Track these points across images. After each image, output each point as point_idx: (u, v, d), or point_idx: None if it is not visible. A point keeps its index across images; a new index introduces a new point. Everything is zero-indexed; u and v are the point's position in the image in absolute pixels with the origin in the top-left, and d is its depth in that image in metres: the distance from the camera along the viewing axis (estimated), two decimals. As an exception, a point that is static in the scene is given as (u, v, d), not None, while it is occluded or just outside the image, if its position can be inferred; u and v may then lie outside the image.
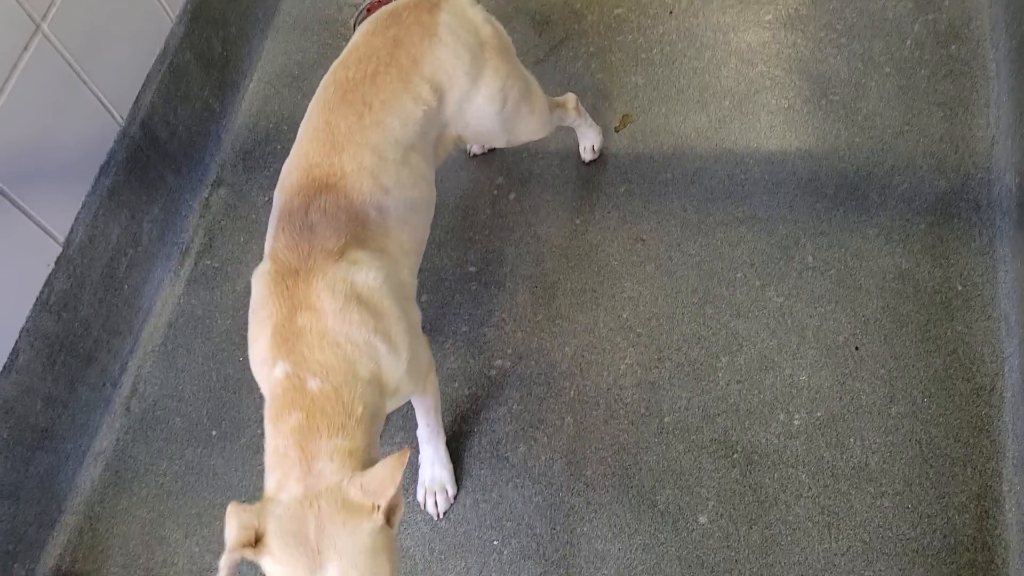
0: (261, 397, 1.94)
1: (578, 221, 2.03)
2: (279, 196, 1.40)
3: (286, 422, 1.16)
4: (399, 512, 1.10)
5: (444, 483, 1.72)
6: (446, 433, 1.77)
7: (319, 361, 1.20)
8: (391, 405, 1.34)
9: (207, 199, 2.27)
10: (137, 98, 2.03)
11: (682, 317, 1.86)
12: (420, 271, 2.02)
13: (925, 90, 2.05)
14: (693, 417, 1.74)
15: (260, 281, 1.31)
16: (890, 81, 2.07)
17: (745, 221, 1.96)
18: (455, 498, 1.74)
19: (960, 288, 1.79)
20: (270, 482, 1.13)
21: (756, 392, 1.75)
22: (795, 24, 2.23)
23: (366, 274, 1.28)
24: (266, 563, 1.04)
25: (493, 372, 1.87)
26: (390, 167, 1.38)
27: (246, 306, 2.04)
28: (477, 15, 1.55)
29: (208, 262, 2.16)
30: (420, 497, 1.73)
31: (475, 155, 2.16)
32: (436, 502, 1.72)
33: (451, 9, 1.51)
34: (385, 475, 1.06)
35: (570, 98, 1.92)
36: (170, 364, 2.02)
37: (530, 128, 1.75)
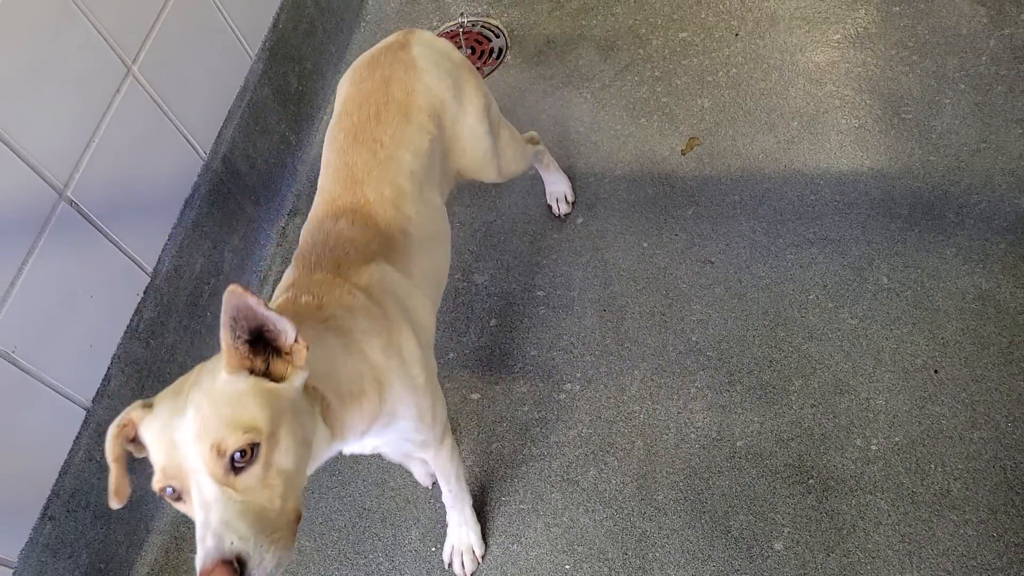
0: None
1: (645, 244, 2.04)
2: (306, 228, 1.47)
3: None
4: (297, 369, 1.05)
5: (472, 545, 1.72)
6: (515, 456, 1.79)
7: (327, 295, 1.26)
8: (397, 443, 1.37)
9: (284, 228, 2.35)
10: (219, 133, 2.12)
11: (753, 340, 1.85)
12: (488, 295, 2.06)
13: (1002, 106, 2.00)
14: (766, 441, 1.72)
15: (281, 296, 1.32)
16: (965, 98, 2.03)
17: (816, 242, 1.93)
18: (483, 558, 1.73)
19: (1044, 308, 1.74)
20: None
21: (831, 416, 1.72)
22: (864, 43, 2.21)
23: (393, 278, 1.34)
24: (143, 434, 1.03)
25: (562, 396, 1.88)
26: (408, 198, 1.45)
27: (322, 332, 2.11)
28: (444, 43, 1.65)
29: (285, 289, 2.23)
30: (446, 557, 1.73)
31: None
32: (463, 563, 1.72)
33: (420, 41, 1.61)
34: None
35: (533, 134, 2.02)
36: (250, 389, 2.09)
37: (515, 154, 1.84)
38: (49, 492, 1.66)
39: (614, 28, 2.47)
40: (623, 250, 2.05)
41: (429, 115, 1.53)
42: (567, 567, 1.68)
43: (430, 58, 1.58)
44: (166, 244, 1.94)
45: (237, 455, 0.95)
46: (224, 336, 1.01)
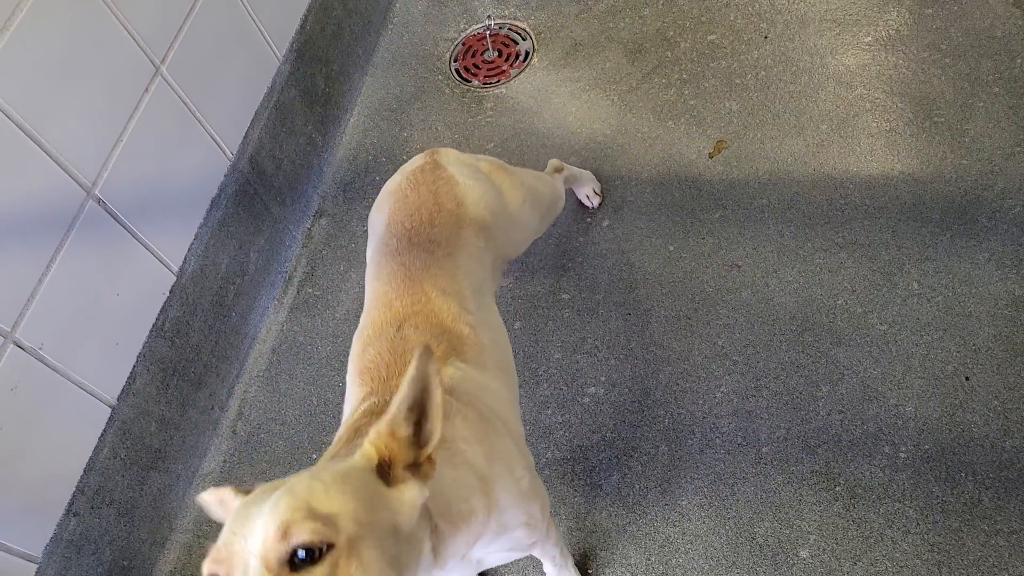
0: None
1: (672, 248, 2.02)
2: (357, 340, 1.34)
3: (359, 428, 1.09)
4: (421, 471, 0.89)
5: None
6: (539, 460, 1.78)
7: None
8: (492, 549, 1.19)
9: (310, 229, 2.36)
10: (246, 134, 2.13)
11: (780, 345, 1.82)
12: (513, 298, 2.05)
13: (1038, 109, 1.96)
14: (792, 448, 1.70)
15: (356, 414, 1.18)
16: (1000, 101, 1.99)
17: (845, 247, 1.91)
18: None
19: (1080, 316, 1.70)
20: None
21: (859, 423, 1.69)
22: (896, 45, 2.18)
23: (472, 375, 1.23)
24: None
25: (586, 400, 1.87)
26: (470, 294, 1.39)
27: (344, 333, 2.12)
28: (467, 156, 1.64)
29: (310, 290, 2.24)
30: None
31: None
32: None
33: (449, 161, 1.59)
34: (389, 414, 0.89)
35: (552, 162, 2.04)
36: (273, 388, 2.10)
37: (555, 202, 1.85)
38: (74, 489, 1.67)
39: (642, 31, 2.46)
40: (649, 253, 2.03)
41: (480, 223, 1.50)
42: (589, 572, 1.66)
43: (468, 174, 1.56)
44: (192, 243, 1.96)
45: (301, 552, 0.76)
46: (399, 402, 0.86)
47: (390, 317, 1.32)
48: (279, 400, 2.07)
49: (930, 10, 2.22)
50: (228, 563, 0.78)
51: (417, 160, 1.60)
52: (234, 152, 2.09)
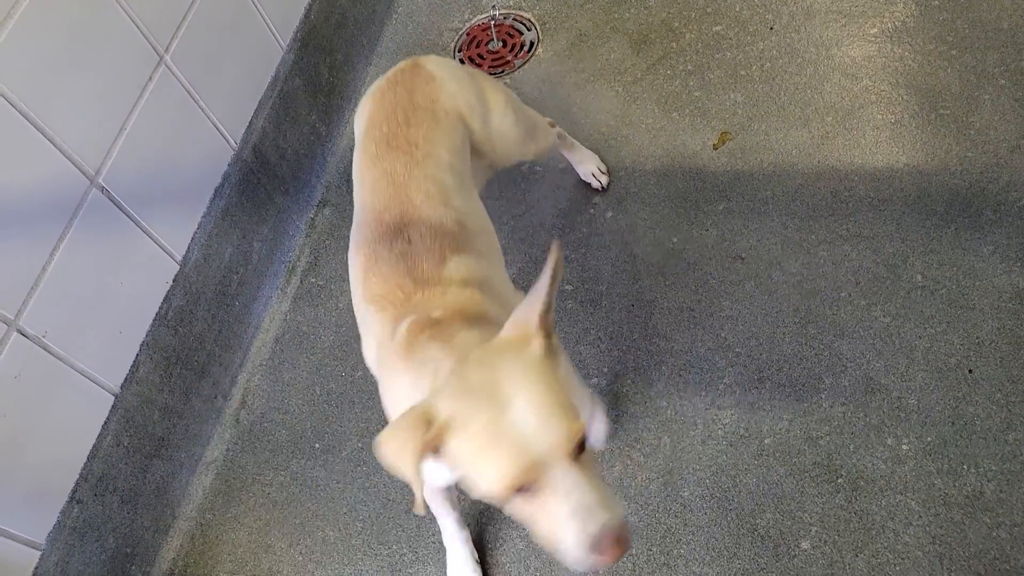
0: (362, 410, 2.00)
1: (675, 239, 2.02)
2: (355, 256, 1.42)
3: (418, 345, 1.19)
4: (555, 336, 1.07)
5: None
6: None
7: (439, 304, 1.25)
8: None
9: (313, 219, 2.36)
10: (250, 123, 2.13)
11: (783, 337, 1.82)
12: (517, 288, 2.05)
13: (1044, 102, 1.96)
14: (795, 439, 1.70)
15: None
16: (1006, 94, 1.99)
17: (849, 239, 1.90)
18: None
19: (1085, 309, 1.70)
20: (424, 393, 1.12)
21: (862, 415, 1.69)
22: (902, 37, 2.17)
23: (470, 262, 1.33)
24: (453, 447, 0.98)
25: (589, 391, 1.87)
26: (453, 192, 1.44)
27: (348, 323, 2.12)
28: (450, 59, 1.67)
29: (313, 280, 2.24)
30: None
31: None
32: None
33: (431, 61, 1.62)
34: (532, 300, 1.03)
35: (547, 119, 2.02)
36: (277, 378, 2.10)
37: (543, 133, 1.88)
38: (77, 476, 1.68)
39: (647, 21, 2.45)
40: (652, 245, 2.03)
41: (457, 117, 1.54)
42: (591, 562, 1.67)
43: (446, 70, 1.60)
44: (195, 233, 1.96)
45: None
46: (549, 294, 1.02)
47: (381, 233, 1.37)
48: (282, 389, 2.08)
49: (936, 2, 2.21)
50: (535, 471, 0.95)
51: (399, 64, 1.63)
52: (238, 141, 2.09)
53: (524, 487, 0.96)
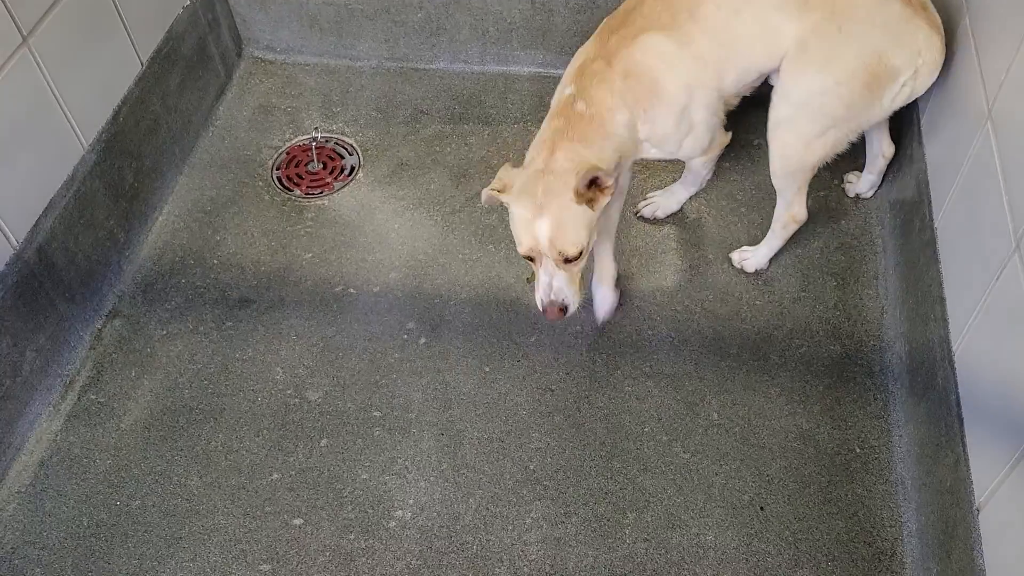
0: (136, 545, 1.79)
1: (487, 369, 2.02)
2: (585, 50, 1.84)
3: (554, 123, 1.71)
4: (603, 198, 1.67)
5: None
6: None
7: (592, 95, 1.70)
8: (653, 153, 1.88)
9: (100, 330, 2.16)
10: (36, 222, 1.95)
11: (590, 471, 1.83)
12: (320, 414, 1.95)
13: (819, 260, 2.17)
14: (599, 576, 1.68)
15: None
16: (787, 250, 2.18)
17: (652, 376, 1.98)
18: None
19: (858, 451, 1.83)
20: (528, 157, 1.73)
21: (663, 552, 1.71)
22: (700, 193, 2.34)
23: (665, 47, 1.72)
24: (509, 202, 1.69)
25: (392, 524, 1.78)
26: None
27: (129, 445, 1.93)
28: None
29: (93, 396, 2.03)
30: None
31: None
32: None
33: None
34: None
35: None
36: (36, 507, 1.85)
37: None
38: None
39: (467, 157, 2.52)
40: (465, 373, 2.01)
41: None
42: None
43: None
44: (-44, 337, 1.73)
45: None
46: (582, 183, 1.62)
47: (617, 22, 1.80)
48: (41, 520, 1.83)
49: (727, 164, 2.43)
50: (536, 253, 1.69)
51: None
52: (20, 240, 1.90)
53: (533, 258, 1.70)
